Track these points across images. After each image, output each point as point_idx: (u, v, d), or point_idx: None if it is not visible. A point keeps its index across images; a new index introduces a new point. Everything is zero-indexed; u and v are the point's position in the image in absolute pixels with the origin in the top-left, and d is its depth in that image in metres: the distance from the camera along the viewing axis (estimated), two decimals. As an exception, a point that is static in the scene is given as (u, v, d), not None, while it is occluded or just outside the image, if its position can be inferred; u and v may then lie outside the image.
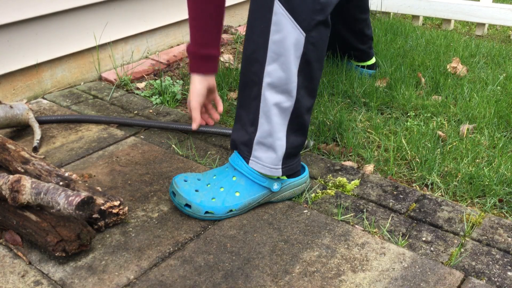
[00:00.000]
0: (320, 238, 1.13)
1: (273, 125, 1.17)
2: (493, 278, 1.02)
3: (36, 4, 1.75)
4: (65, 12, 1.84)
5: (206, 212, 1.18)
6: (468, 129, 1.58)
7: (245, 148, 1.21)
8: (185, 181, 1.22)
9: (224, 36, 2.45)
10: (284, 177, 1.24)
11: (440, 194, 1.32)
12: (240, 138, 1.22)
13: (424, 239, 1.13)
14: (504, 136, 1.58)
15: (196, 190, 1.20)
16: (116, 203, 1.15)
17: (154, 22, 2.16)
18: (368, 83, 1.90)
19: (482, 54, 2.25)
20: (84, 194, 1.01)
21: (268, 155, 1.19)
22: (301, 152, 1.47)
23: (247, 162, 1.21)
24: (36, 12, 1.76)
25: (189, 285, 1.00)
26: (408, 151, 1.47)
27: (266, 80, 1.14)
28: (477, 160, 1.45)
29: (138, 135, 1.58)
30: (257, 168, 1.20)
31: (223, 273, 1.03)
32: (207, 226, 1.17)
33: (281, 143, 1.18)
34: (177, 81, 1.94)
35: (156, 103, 1.80)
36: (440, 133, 1.58)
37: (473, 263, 1.06)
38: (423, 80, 1.96)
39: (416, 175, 1.39)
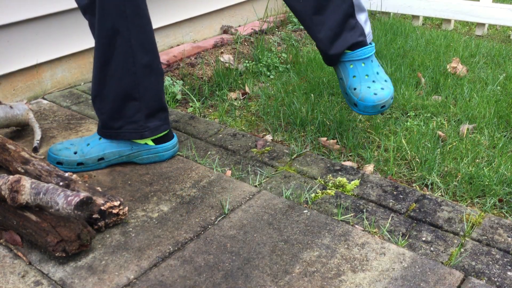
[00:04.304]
0: (320, 238, 1.13)
1: None
2: (493, 278, 1.02)
3: (36, 4, 1.75)
4: (65, 12, 1.84)
5: None
6: (468, 129, 1.58)
7: None
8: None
9: (224, 36, 2.45)
10: None
11: (440, 194, 1.32)
12: None
13: (424, 239, 1.13)
14: (504, 136, 1.58)
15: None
16: (116, 203, 1.15)
17: (154, 22, 2.16)
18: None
19: (482, 54, 2.25)
20: (83, 194, 1.01)
21: None
22: (301, 152, 1.47)
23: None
24: (36, 12, 1.76)
25: (189, 285, 1.00)
26: (408, 151, 1.47)
27: None
28: (477, 160, 1.45)
29: (138, 135, 1.58)
30: None
31: (223, 273, 1.03)
32: (207, 226, 1.17)
33: None
34: (177, 81, 1.94)
35: (156, 103, 1.80)
36: (440, 133, 1.58)
37: (473, 263, 1.06)
38: (423, 80, 1.96)
39: (416, 175, 1.39)
